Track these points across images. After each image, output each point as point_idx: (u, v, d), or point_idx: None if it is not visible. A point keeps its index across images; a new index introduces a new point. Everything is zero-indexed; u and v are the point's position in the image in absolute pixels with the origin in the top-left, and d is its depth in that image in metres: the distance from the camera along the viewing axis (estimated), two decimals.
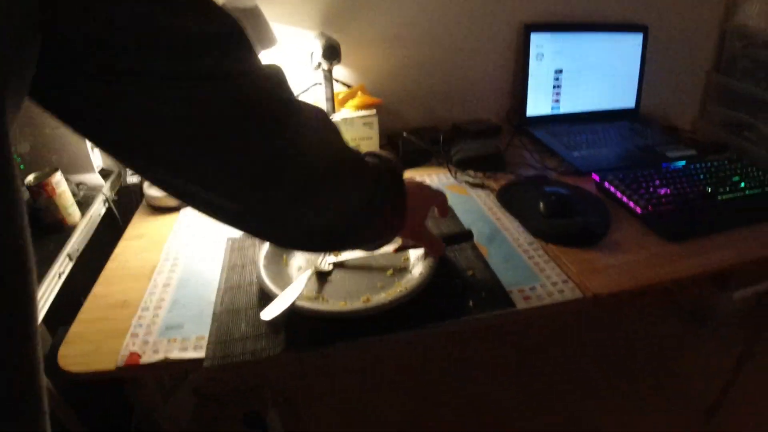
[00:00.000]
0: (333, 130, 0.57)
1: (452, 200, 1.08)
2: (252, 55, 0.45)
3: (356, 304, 0.78)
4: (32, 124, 1.18)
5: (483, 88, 1.50)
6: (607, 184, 1.12)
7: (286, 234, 0.58)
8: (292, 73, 1.34)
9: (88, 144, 1.24)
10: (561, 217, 0.99)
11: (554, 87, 1.46)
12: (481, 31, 1.41)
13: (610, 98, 1.53)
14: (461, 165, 1.23)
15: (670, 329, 1.94)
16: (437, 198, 0.83)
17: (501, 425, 1.54)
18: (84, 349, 0.78)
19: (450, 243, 0.89)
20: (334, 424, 1.56)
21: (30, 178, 1.07)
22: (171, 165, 0.43)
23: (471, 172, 1.21)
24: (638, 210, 1.03)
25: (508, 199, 1.09)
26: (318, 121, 0.54)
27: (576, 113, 1.50)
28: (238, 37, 0.43)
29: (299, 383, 1.62)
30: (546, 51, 1.42)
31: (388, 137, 1.38)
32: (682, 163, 1.22)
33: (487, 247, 0.94)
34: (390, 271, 0.88)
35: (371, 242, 0.71)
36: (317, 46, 1.18)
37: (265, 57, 1.22)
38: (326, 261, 0.90)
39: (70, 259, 1.06)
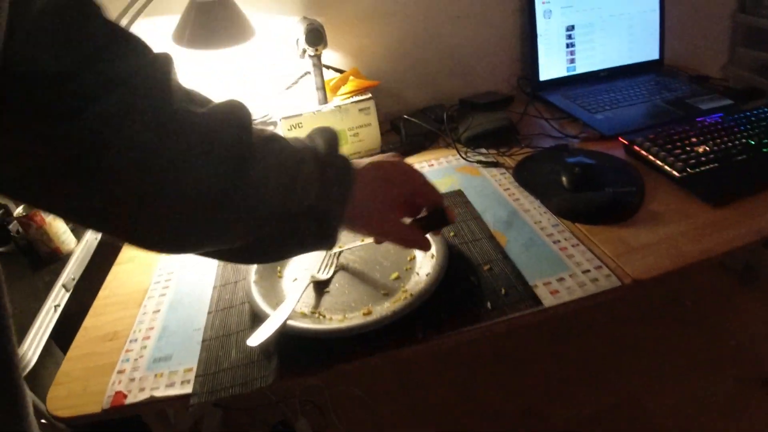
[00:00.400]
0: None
1: (464, 184, 0.99)
2: None
3: (355, 318, 0.69)
4: None
5: (488, 57, 1.38)
6: (636, 148, 0.99)
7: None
8: (280, 64, 1.24)
9: None
10: (587, 191, 0.88)
11: (567, 46, 1.33)
12: None
13: (631, 51, 1.38)
14: (471, 143, 1.12)
15: (716, 291, 1.79)
16: (419, 186, 0.62)
17: (542, 415, 1.44)
18: (72, 390, 0.74)
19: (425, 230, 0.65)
20: (366, 428, 1.49)
21: (19, 209, 1.02)
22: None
23: (483, 150, 1.10)
24: (675, 173, 0.90)
25: (526, 177, 0.98)
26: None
27: (594, 72, 1.36)
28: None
29: (328, 389, 1.54)
30: (553, 7, 1.29)
31: (391, 122, 1.28)
32: (719, 115, 1.08)
33: (506, 235, 0.84)
34: (395, 275, 0.78)
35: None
36: (300, 32, 1.08)
37: (244, 50, 1.13)
38: (325, 269, 0.80)
39: (66, 289, 1.01)
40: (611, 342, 1.60)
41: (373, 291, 0.75)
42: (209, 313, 0.79)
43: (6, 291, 0.33)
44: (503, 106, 1.28)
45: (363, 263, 0.82)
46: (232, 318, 0.77)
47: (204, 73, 1.24)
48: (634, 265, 0.73)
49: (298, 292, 0.73)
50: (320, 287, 0.78)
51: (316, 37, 1.07)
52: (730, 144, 0.95)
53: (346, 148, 1.15)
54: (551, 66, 1.33)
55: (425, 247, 0.64)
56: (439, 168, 1.07)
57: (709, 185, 0.87)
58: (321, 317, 0.71)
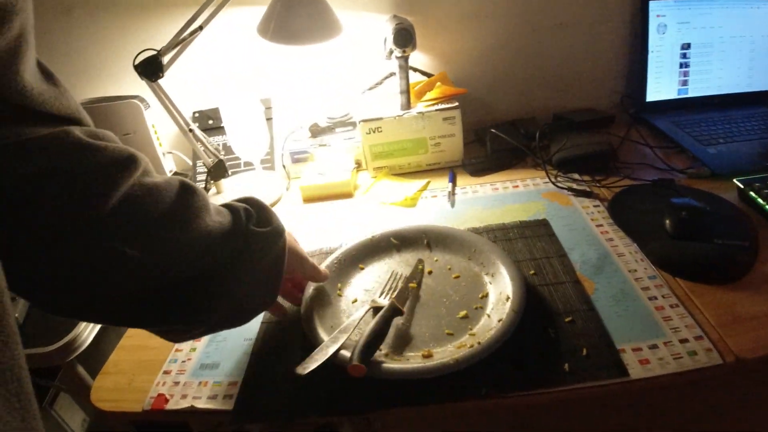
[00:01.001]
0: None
1: (551, 212, 0.90)
2: None
3: (413, 360, 0.62)
4: (105, 127, 1.14)
5: (590, 70, 1.26)
6: (753, 194, 0.86)
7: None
8: (365, 64, 1.19)
9: (158, 149, 1.17)
10: (693, 240, 0.77)
11: (681, 66, 1.19)
12: (587, 1, 1.17)
13: (750, 79, 1.21)
14: (563, 166, 1.02)
15: None
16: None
17: None
18: (117, 383, 0.73)
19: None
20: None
21: None
22: None
23: (575, 176, 1.00)
24: None
25: (622, 213, 0.87)
26: None
27: (708, 97, 1.22)
28: None
29: None
30: (669, 21, 1.16)
31: (474, 133, 1.20)
32: None
33: (594, 281, 0.74)
34: (463, 313, 0.70)
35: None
36: (389, 31, 1.01)
37: (328, 47, 1.09)
38: (388, 293, 0.73)
39: None
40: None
41: (436, 328, 0.68)
42: (262, 323, 0.75)
43: (8, 292, 0.33)
44: (602, 126, 1.17)
45: (430, 293, 0.75)
46: (284, 331, 0.73)
47: (285, 68, 1.20)
48: (740, 339, 0.62)
49: (355, 319, 0.67)
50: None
51: (404, 37, 1.00)
52: None
53: (425, 158, 1.09)
54: (660, 86, 1.20)
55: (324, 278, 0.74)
56: (524, 190, 0.98)
57: None
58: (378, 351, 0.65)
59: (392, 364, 0.61)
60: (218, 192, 1.10)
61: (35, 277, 0.44)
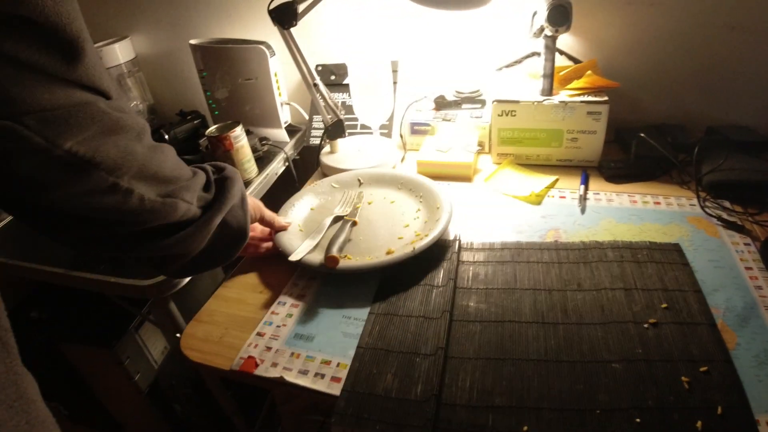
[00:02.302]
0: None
1: (695, 241, 0.79)
2: None
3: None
4: (230, 73, 1.15)
5: (755, 84, 1.08)
6: None
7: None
8: (504, 39, 1.09)
9: (277, 99, 1.16)
10: None
11: None
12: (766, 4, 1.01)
13: None
14: (714, 189, 0.90)
15: None
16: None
17: None
18: (210, 334, 0.73)
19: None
20: None
21: (212, 129, 1.02)
22: None
23: (726, 203, 0.88)
24: None
25: None
26: None
27: None
28: None
29: None
30: None
31: (616, 132, 1.08)
32: None
33: (737, 334, 0.63)
34: (406, 224, 0.86)
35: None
36: (542, 6, 0.92)
37: (471, 15, 1.00)
38: (342, 206, 0.92)
39: None
40: None
41: (388, 237, 0.84)
42: (370, 313, 0.71)
43: (4, 309, 0.37)
44: (760, 150, 1.02)
45: (375, 215, 0.90)
46: (395, 328, 0.68)
47: (418, 33, 1.13)
48: None
49: (324, 225, 0.86)
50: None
51: (561, 14, 0.90)
52: None
53: (557, 152, 0.99)
54: None
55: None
56: (666, 209, 0.87)
57: None
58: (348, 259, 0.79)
59: (363, 261, 0.77)
60: (332, 151, 1.07)
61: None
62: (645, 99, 1.13)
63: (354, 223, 0.87)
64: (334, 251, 0.77)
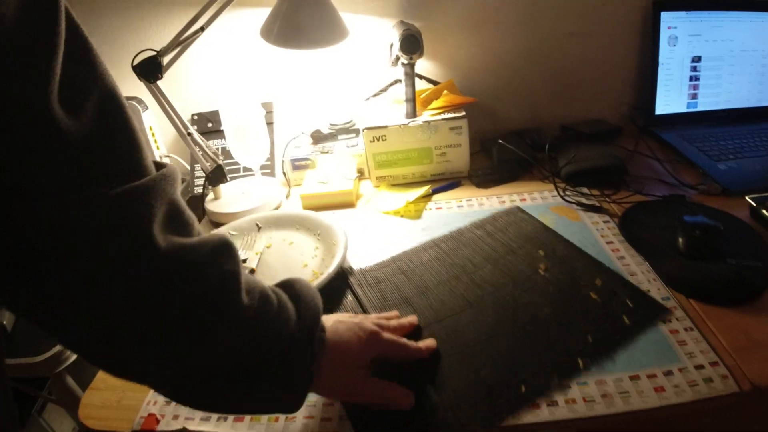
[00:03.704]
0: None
1: (560, 227, 0.87)
2: None
3: None
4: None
5: (598, 80, 1.23)
6: (766, 212, 0.84)
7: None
8: (369, 70, 1.16)
9: (156, 153, 1.15)
10: (706, 259, 0.74)
11: (691, 79, 1.18)
12: (598, 10, 1.14)
13: (761, 94, 1.18)
14: (572, 179, 0.99)
15: None
16: (388, 350, 0.61)
17: None
18: (106, 400, 0.69)
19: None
20: None
21: None
22: None
23: (584, 189, 0.98)
24: None
25: (633, 230, 0.84)
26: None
27: (717, 112, 1.19)
28: None
29: None
30: (680, 33, 1.14)
31: (481, 142, 1.17)
32: None
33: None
34: (305, 263, 0.86)
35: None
36: (395, 37, 0.99)
37: (336, 51, 1.06)
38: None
39: None
40: None
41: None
42: None
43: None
44: (609, 138, 1.14)
45: (274, 258, 0.89)
46: None
47: (288, 72, 1.18)
48: (755, 365, 0.59)
49: None
50: None
51: (412, 44, 0.98)
52: None
53: (430, 168, 1.06)
54: (670, 100, 1.18)
55: (405, 401, 0.58)
56: (532, 204, 0.95)
57: None
58: None
59: None
60: (216, 197, 1.07)
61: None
62: (502, 109, 1.23)
63: (252, 271, 0.86)
64: None
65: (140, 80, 0.92)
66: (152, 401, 0.67)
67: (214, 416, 0.63)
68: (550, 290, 0.73)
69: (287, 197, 1.10)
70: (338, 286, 0.80)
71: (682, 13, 1.13)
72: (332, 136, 1.15)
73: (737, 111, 1.19)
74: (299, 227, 0.95)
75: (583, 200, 0.94)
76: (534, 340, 0.65)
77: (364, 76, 1.18)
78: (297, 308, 0.53)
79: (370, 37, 1.13)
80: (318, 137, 1.15)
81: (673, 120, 1.18)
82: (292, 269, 0.85)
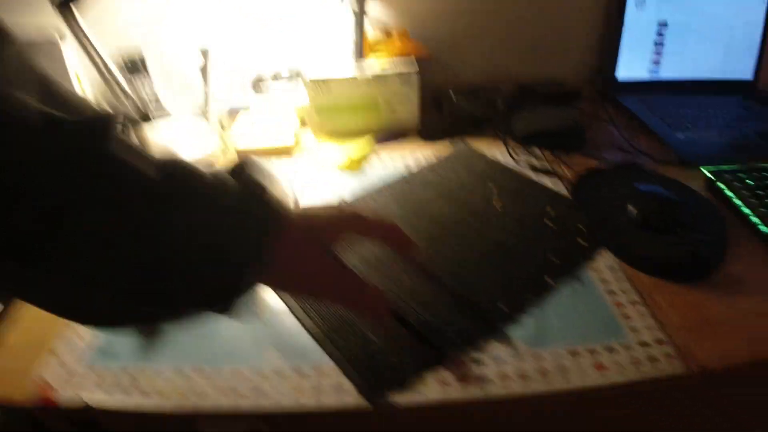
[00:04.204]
0: None
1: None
2: None
3: None
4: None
5: (560, 39, 1.17)
6: (721, 185, 0.81)
7: None
8: (316, 12, 1.06)
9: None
10: (658, 231, 0.70)
11: (655, 44, 1.13)
12: None
13: (724, 65, 1.15)
14: (525, 140, 0.94)
15: None
16: (355, 224, 0.45)
17: None
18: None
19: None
20: None
21: None
22: None
23: (537, 151, 0.92)
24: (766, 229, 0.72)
25: (585, 196, 0.80)
26: None
27: (680, 80, 1.15)
28: None
29: None
30: None
31: (432, 98, 1.10)
32: None
33: None
34: None
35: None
36: None
37: None
38: None
39: None
40: None
41: None
42: None
43: None
44: (567, 101, 1.09)
45: None
46: None
47: (226, 12, 1.06)
48: (705, 346, 0.56)
49: None
50: None
51: None
52: None
53: (378, 121, 0.98)
54: (632, 65, 1.13)
55: (380, 305, 0.45)
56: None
57: None
58: None
59: None
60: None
61: None
62: (459, 64, 1.16)
63: None
64: None
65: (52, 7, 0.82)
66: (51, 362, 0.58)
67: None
68: (507, 220, 0.75)
69: (223, 152, 1.01)
70: None
71: None
72: (273, 83, 1.06)
73: (700, 82, 1.15)
74: None
75: (535, 162, 0.89)
76: (502, 265, 0.67)
77: (311, 18, 1.08)
78: (240, 177, 0.41)
79: None
80: (259, 85, 1.05)
81: (634, 86, 1.14)
82: None
